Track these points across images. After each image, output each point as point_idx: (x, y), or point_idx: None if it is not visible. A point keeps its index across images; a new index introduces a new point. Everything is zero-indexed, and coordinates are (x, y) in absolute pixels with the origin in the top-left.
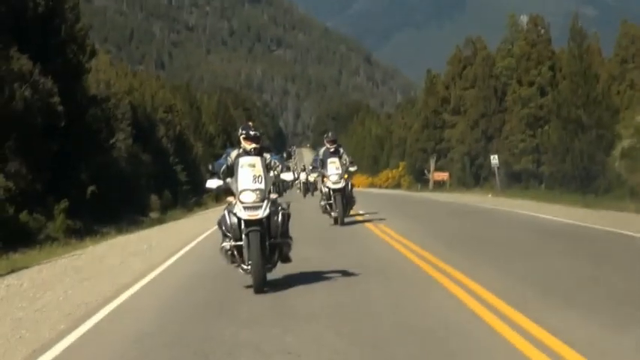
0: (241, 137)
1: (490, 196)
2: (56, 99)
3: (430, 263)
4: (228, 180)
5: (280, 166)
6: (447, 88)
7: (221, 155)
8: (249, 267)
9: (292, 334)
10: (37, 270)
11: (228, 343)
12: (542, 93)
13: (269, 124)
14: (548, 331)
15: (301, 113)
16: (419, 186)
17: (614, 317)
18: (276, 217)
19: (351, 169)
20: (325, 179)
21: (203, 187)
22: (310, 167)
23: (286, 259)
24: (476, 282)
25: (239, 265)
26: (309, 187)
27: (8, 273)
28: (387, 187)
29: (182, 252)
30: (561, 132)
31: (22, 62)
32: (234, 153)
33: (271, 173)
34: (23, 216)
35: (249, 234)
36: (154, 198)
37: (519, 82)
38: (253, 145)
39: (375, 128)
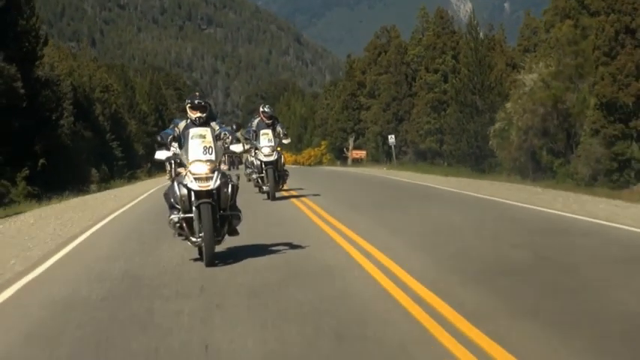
0: (187, 106)
1: (385, 169)
2: (19, 83)
3: (323, 219)
4: (178, 151)
5: (230, 137)
6: (364, 73)
7: (163, 129)
8: (199, 239)
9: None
10: (27, 215)
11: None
12: (446, 80)
13: None
14: (383, 253)
15: (231, 92)
16: (338, 163)
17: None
18: (226, 189)
19: (285, 141)
20: (257, 151)
21: (137, 161)
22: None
23: (234, 232)
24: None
25: (187, 238)
26: (234, 160)
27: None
28: (309, 165)
29: (135, 201)
30: (459, 115)
31: None
32: (181, 123)
33: (220, 144)
34: None
35: (200, 206)
36: (93, 171)
37: (426, 69)
38: (198, 114)
39: (300, 108)
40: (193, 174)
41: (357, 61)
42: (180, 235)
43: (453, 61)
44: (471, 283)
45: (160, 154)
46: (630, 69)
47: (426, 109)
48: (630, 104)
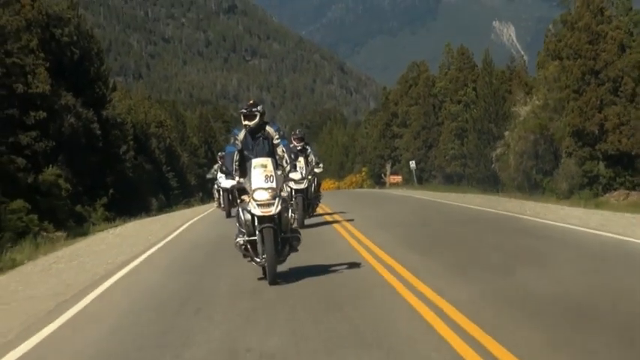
0: (241, 116)
1: (404, 189)
2: (95, 125)
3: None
4: (242, 180)
5: (289, 166)
6: (396, 104)
7: (212, 160)
8: (262, 260)
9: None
10: (109, 232)
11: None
12: (467, 110)
13: None
14: (376, 245)
15: (277, 122)
16: (377, 187)
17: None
18: (286, 214)
19: (317, 170)
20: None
21: (190, 190)
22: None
23: (294, 250)
24: (360, 231)
25: (252, 259)
26: None
27: (93, 234)
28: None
29: (190, 221)
30: (477, 142)
31: (68, 98)
32: (241, 134)
33: (280, 172)
34: (78, 208)
35: (263, 230)
36: (152, 200)
37: (450, 101)
38: (247, 122)
39: (342, 137)
40: (256, 200)
41: (391, 93)
42: (245, 256)
43: (474, 92)
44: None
45: (226, 183)
46: (594, 103)
47: (450, 136)
48: (595, 131)
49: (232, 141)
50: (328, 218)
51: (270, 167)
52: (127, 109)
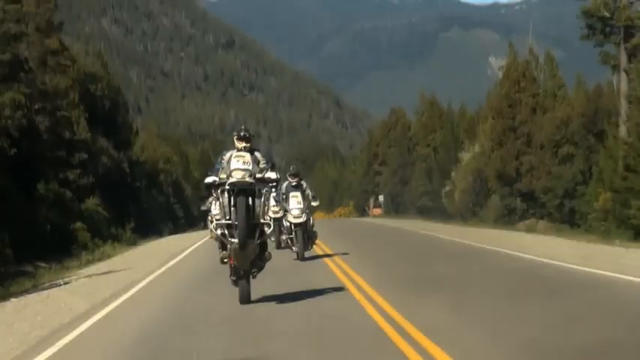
0: (234, 138)
1: (373, 217)
2: (125, 164)
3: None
4: (222, 175)
5: (265, 164)
6: (377, 145)
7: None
8: (297, 248)
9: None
10: (141, 248)
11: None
12: (436, 152)
13: None
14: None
15: (273, 156)
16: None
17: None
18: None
19: (314, 203)
20: (287, 213)
21: (193, 220)
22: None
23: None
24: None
25: (291, 248)
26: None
27: (129, 247)
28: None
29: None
30: (441, 181)
31: (102, 142)
32: (228, 153)
33: (260, 165)
34: (113, 230)
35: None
36: (163, 227)
37: (421, 144)
38: (243, 144)
39: (332, 173)
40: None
41: (374, 136)
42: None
43: (441, 137)
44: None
45: (208, 179)
46: (512, 153)
47: (421, 175)
48: (513, 174)
49: (219, 160)
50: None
51: (300, 196)
52: (139, 147)
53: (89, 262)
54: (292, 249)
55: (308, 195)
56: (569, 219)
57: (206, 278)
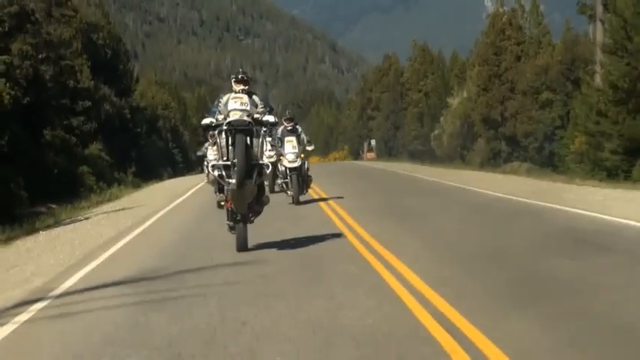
0: (232, 81)
1: (367, 161)
2: (126, 111)
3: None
4: (219, 117)
5: (263, 107)
6: (371, 90)
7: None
8: (292, 191)
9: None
10: (146, 189)
11: None
12: (427, 97)
13: None
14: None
15: (269, 101)
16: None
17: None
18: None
19: (309, 147)
20: (282, 158)
21: (191, 165)
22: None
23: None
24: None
25: (286, 191)
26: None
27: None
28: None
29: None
30: (431, 125)
31: (104, 90)
32: (225, 96)
33: (258, 109)
34: (116, 174)
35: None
36: (163, 171)
37: (413, 90)
38: (241, 87)
39: (327, 118)
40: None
41: (367, 81)
42: (281, 190)
43: (434, 82)
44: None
45: (205, 120)
46: (497, 98)
47: (413, 120)
48: (498, 119)
49: (215, 103)
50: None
51: (246, 99)
52: (139, 94)
53: (99, 203)
54: (287, 193)
55: (303, 139)
56: (549, 161)
57: (211, 211)
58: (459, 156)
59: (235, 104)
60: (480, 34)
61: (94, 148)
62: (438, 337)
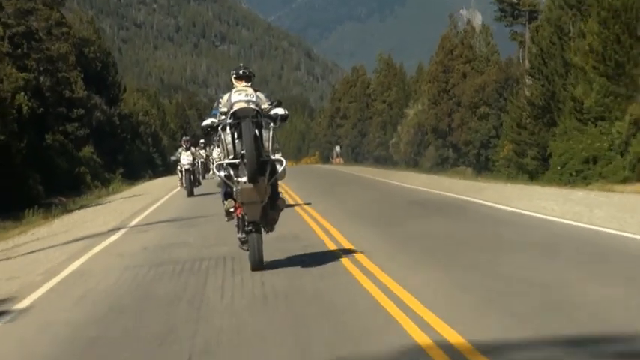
0: (233, 78)
1: (334, 165)
2: (115, 118)
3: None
4: (222, 118)
5: (270, 103)
6: (340, 100)
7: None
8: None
9: None
10: (141, 186)
11: None
12: (390, 108)
13: None
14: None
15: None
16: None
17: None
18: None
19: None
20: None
21: (170, 168)
22: None
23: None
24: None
25: (228, 197)
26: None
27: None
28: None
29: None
30: (393, 134)
31: (96, 99)
32: (225, 95)
33: (264, 105)
34: (106, 175)
35: (242, 124)
36: (145, 174)
37: (377, 100)
38: (243, 84)
39: (300, 125)
40: (234, 106)
41: (337, 92)
42: (227, 196)
43: (396, 94)
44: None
45: (205, 122)
46: (445, 111)
47: (377, 128)
48: (446, 129)
49: (215, 105)
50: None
51: (251, 91)
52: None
53: (106, 195)
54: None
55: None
56: (485, 166)
57: (204, 198)
58: (413, 161)
59: (240, 96)
60: (434, 53)
61: (87, 151)
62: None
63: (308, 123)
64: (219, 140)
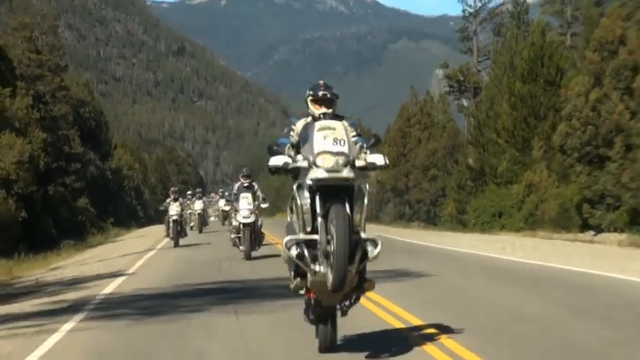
0: (309, 100)
1: None
2: (108, 172)
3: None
4: (299, 157)
5: (358, 138)
6: None
7: (167, 197)
8: (244, 246)
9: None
10: (136, 232)
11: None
12: None
13: (191, 172)
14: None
15: (220, 162)
16: None
17: None
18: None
19: (263, 205)
20: (237, 213)
21: (152, 220)
22: (225, 200)
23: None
24: None
25: (239, 246)
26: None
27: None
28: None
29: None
30: None
31: (90, 154)
32: (300, 122)
33: (358, 162)
34: (100, 224)
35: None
36: (129, 224)
37: None
38: (324, 110)
39: (275, 181)
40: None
41: None
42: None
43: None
44: None
45: (276, 160)
46: (402, 172)
47: None
48: (403, 188)
49: (286, 131)
50: None
51: (341, 130)
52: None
53: (111, 237)
54: (240, 248)
55: (258, 197)
56: (433, 221)
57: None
58: (374, 216)
59: (326, 143)
60: (394, 121)
61: (82, 201)
62: None
63: (283, 179)
64: (293, 201)
